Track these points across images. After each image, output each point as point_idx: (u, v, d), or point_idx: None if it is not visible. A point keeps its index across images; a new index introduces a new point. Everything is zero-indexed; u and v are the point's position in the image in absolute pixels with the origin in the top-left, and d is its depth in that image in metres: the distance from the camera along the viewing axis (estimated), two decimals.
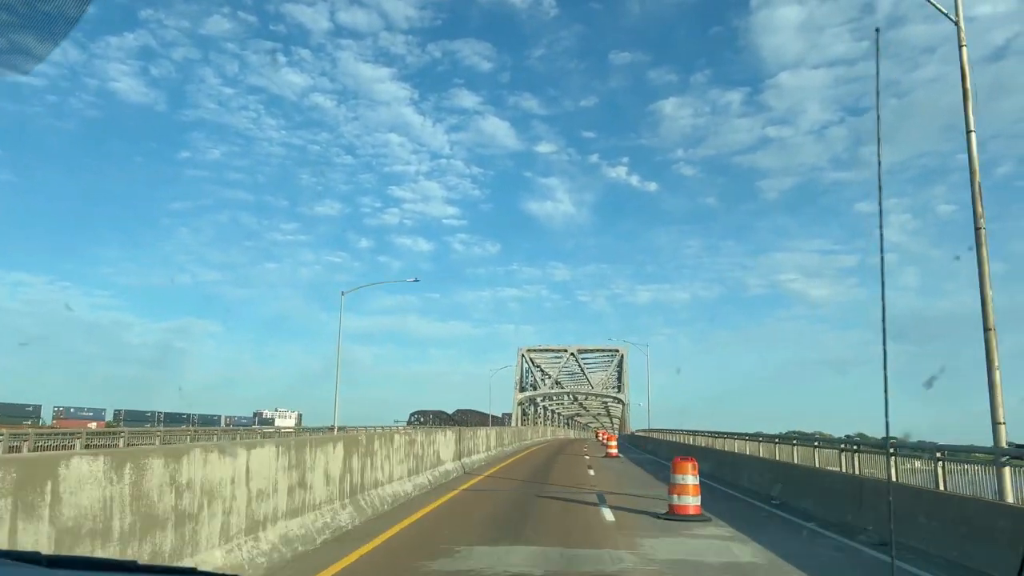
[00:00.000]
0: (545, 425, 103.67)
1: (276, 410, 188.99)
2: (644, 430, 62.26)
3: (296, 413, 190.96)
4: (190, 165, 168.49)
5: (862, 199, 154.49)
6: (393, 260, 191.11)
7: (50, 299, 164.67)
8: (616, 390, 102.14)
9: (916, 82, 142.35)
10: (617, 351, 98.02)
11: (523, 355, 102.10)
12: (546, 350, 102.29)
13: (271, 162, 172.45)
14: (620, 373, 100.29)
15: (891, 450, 11.89)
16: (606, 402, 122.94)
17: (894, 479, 12.12)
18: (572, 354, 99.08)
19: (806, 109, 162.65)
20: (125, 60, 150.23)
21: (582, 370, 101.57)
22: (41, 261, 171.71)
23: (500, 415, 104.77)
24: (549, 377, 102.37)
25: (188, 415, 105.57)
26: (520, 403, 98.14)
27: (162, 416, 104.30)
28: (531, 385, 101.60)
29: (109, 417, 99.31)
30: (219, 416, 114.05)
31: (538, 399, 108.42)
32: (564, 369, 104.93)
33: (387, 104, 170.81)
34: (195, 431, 41.15)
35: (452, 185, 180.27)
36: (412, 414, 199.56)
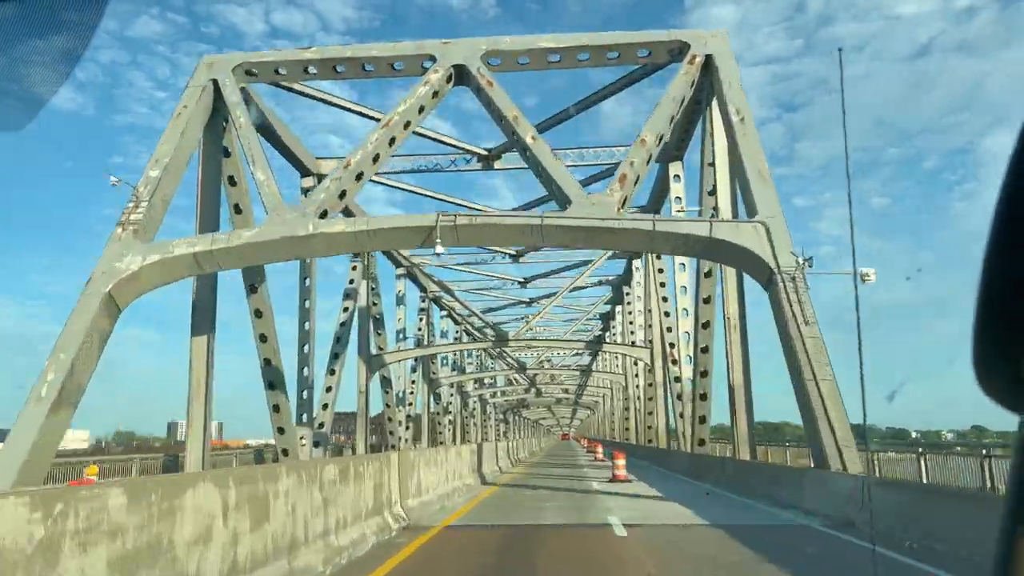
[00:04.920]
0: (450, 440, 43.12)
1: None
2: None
3: (216, 423, 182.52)
4: (123, 170, 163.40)
5: (797, 194, 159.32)
6: (335, 264, 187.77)
7: None
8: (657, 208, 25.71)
9: (846, 79, 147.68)
10: (683, 47, 17.91)
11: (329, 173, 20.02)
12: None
13: None
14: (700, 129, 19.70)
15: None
16: (585, 370, 52.05)
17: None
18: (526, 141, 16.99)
19: None
20: None
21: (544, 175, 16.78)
22: None
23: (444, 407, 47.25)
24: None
25: None
26: (337, 368, 27.92)
27: None
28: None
29: None
30: None
31: (442, 376, 42.56)
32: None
33: (326, 107, 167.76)
34: None
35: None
36: None
